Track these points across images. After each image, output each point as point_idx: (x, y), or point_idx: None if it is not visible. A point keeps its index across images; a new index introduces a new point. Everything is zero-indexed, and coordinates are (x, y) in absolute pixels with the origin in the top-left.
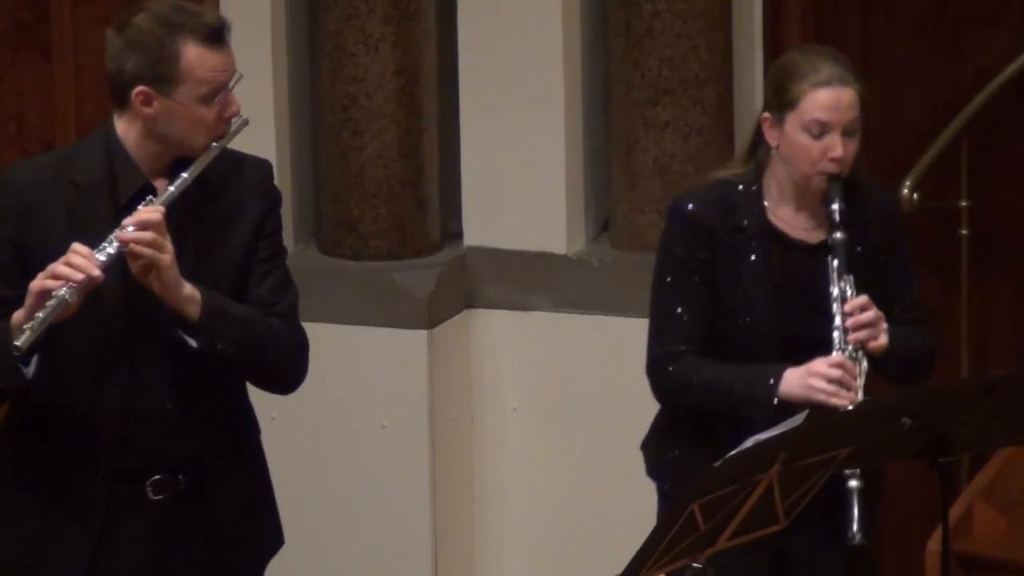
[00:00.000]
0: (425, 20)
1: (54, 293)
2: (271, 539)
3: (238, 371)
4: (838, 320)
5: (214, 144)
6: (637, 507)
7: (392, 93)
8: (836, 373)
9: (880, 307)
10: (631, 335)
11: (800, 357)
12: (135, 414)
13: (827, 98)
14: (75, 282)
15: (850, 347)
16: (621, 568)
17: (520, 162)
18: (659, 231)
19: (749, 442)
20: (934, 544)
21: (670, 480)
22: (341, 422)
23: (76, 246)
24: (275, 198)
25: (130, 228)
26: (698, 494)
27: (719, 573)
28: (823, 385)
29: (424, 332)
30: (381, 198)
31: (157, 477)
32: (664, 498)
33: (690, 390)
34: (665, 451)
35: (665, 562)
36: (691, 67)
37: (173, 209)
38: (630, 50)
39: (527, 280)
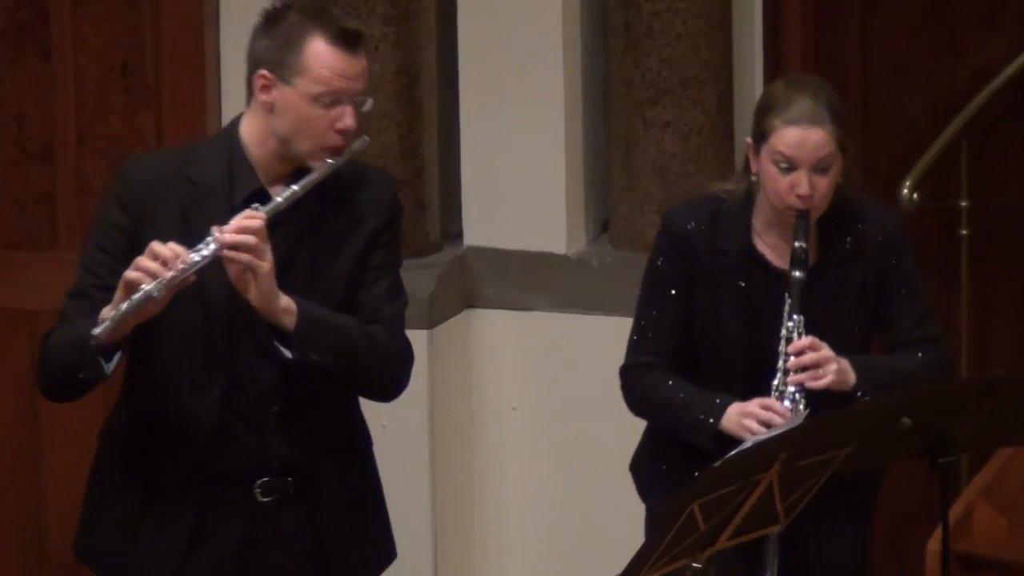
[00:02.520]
0: (425, 20)
1: (141, 287)
2: (381, 553)
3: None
4: (781, 361)
5: (329, 160)
6: (637, 507)
7: (392, 93)
8: (763, 415)
9: (879, 327)
10: None
11: (769, 383)
12: (233, 416)
13: (794, 136)
14: (162, 277)
15: (789, 388)
16: (621, 568)
17: (520, 162)
18: (659, 231)
19: (749, 442)
20: (934, 544)
21: (659, 498)
22: None
23: (155, 243)
24: (395, 211)
25: (229, 229)
26: (698, 494)
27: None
28: (755, 427)
29: (424, 332)
30: None
31: (266, 479)
32: (653, 517)
33: (649, 404)
34: (653, 471)
35: (665, 562)
36: (691, 67)
37: (289, 220)
38: (630, 50)
39: (527, 280)
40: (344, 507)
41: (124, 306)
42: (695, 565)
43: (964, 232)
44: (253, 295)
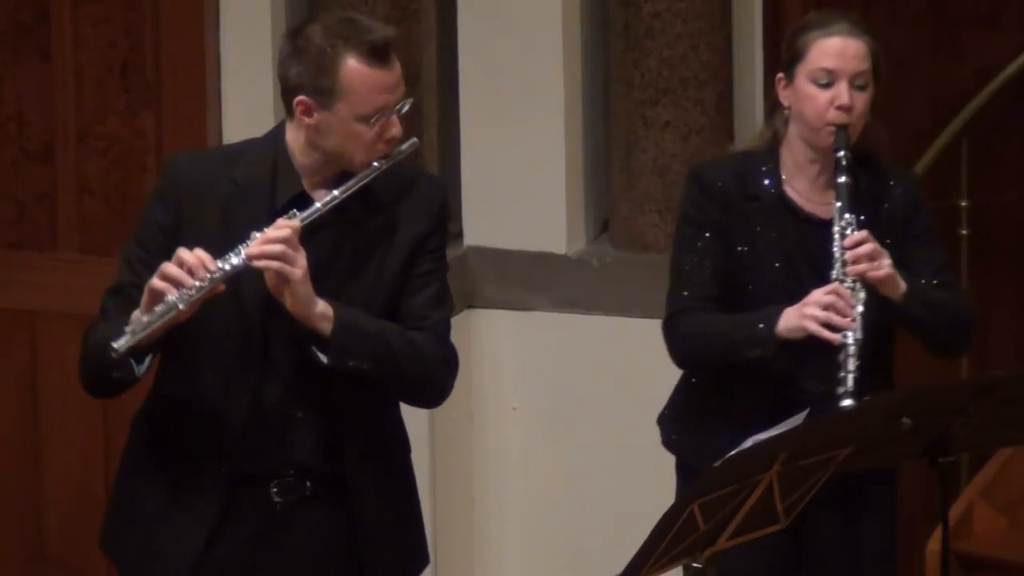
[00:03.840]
0: (425, 20)
1: (166, 298)
2: (415, 559)
3: (379, 386)
4: (837, 253)
5: (375, 163)
6: (637, 507)
7: None
8: (830, 299)
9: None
10: (631, 335)
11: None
12: (263, 419)
13: (834, 46)
14: (187, 288)
15: (848, 279)
16: (621, 568)
17: (520, 162)
18: (659, 231)
19: (749, 442)
20: (934, 544)
21: (687, 453)
22: None
23: (182, 250)
24: (442, 216)
25: (257, 240)
26: (698, 494)
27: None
28: (817, 312)
29: None
30: None
31: (281, 479)
32: (682, 472)
33: (697, 340)
34: (682, 424)
35: (665, 562)
36: (691, 67)
37: (333, 222)
38: (630, 50)
39: (527, 280)
40: (374, 511)
41: (146, 318)
42: (695, 565)
43: (964, 232)
44: (288, 302)
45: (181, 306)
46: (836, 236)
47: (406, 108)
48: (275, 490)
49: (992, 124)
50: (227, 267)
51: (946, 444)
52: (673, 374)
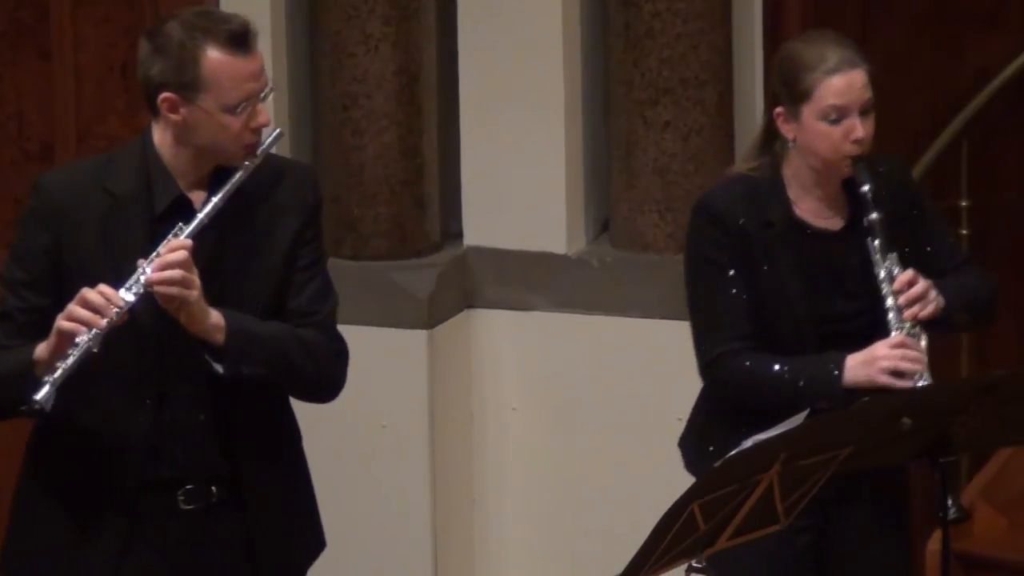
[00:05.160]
0: (425, 20)
1: (77, 340)
2: (312, 545)
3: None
4: (890, 301)
5: (246, 163)
6: (637, 507)
7: (392, 93)
8: (899, 353)
9: (923, 264)
10: (631, 335)
11: (841, 344)
12: (166, 426)
13: (840, 84)
14: (98, 328)
15: (907, 324)
16: (621, 568)
17: (520, 162)
18: (659, 231)
19: (749, 442)
20: (934, 544)
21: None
22: (341, 422)
23: (86, 290)
24: (315, 205)
25: (155, 266)
26: (698, 494)
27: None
28: (888, 366)
29: (424, 332)
30: (381, 198)
31: (189, 487)
32: None
33: (753, 387)
34: (706, 445)
35: (665, 562)
36: (691, 67)
37: (212, 224)
38: (630, 50)
39: (527, 280)
40: (275, 507)
41: (62, 365)
42: (695, 565)
43: (964, 232)
44: (184, 319)
45: (95, 348)
46: (884, 280)
47: (270, 95)
48: (182, 498)
49: (992, 124)
50: (131, 298)
51: (946, 444)
52: (673, 374)
